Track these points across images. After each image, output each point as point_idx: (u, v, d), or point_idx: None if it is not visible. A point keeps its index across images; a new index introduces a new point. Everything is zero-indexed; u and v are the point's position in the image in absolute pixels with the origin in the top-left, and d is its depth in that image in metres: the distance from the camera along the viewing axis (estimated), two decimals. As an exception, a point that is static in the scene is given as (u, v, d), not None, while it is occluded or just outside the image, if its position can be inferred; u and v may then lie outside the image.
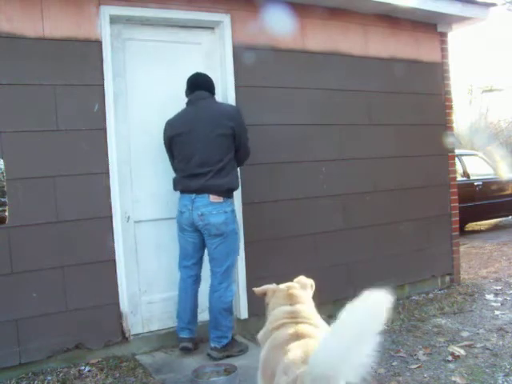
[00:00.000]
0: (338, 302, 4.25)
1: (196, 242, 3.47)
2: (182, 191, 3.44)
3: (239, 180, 3.54)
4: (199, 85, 3.46)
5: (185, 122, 3.41)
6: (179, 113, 3.48)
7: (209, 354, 3.41)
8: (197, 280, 3.55)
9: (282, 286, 2.24)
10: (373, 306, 1.44)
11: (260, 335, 2.21)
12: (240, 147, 3.44)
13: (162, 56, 3.77)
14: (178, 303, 3.55)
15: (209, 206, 3.32)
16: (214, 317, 3.41)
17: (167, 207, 3.81)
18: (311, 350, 1.65)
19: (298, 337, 1.86)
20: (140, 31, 3.68)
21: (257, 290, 2.26)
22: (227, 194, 3.38)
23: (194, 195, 3.35)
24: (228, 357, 3.37)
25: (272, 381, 1.76)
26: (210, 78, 3.53)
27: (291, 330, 1.91)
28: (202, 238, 3.43)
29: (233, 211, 3.42)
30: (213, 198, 3.32)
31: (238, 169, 3.85)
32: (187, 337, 3.48)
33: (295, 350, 1.75)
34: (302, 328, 1.92)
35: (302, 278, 2.33)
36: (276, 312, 2.10)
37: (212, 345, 3.40)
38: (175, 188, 3.53)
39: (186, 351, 3.47)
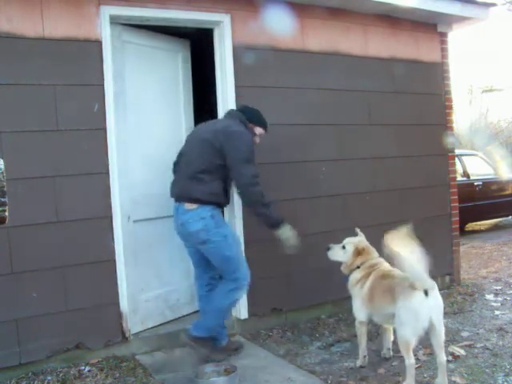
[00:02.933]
0: (338, 302, 4.27)
1: (195, 250, 3.37)
2: (171, 196, 3.39)
3: (220, 196, 3.24)
4: (242, 107, 3.51)
5: (199, 128, 3.42)
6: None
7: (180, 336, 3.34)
8: (212, 288, 3.42)
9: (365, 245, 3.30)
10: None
11: (354, 277, 3.21)
12: (230, 168, 3.18)
13: (153, 60, 3.87)
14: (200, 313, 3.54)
15: (185, 215, 3.20)
16: (205, 308, 3.36)
17: (164, 206, 3.84)
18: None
19: (390, 271, 3.09)
20: (136, 35, 3.74)
21: (359, 248, 3.26)
22: (200, 201, 3.17)
23: (176, 204, 3.30)
24: (192, 348, 3.28)
25: (385, 295, 2.96)
26: (253, 111, 3.47)
27: (385, 268, 3.15)
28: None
29: (213, 216, 3.18)
30: (187, 205, 3.19)
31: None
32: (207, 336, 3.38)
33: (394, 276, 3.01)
34: (389, 268, 3.15)
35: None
36: (369, 262, 3.21)
37: (188, 327, 3.34)
38: None
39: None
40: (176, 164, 3.50)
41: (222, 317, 3.34)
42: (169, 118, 3.99)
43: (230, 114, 3.46)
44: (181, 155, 3.44)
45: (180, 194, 3.26)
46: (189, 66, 4.15)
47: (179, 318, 3.99)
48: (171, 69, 4.02)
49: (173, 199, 3.38)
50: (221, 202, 3.29)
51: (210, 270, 3.41)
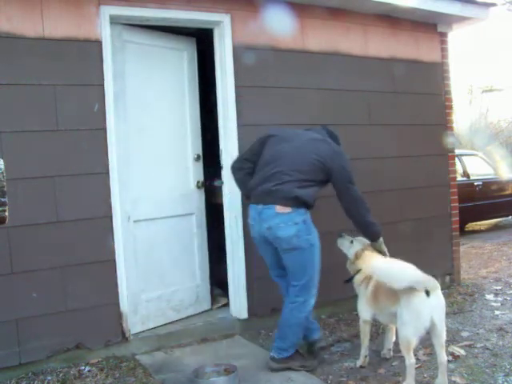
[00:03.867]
0: (338, 303, 4.26)
1: (274, 254, 3.21)
2: (251, 201, 3.19)
3: (312, 202, 3.14)
4: (325, 127, 3.38)
5: (289, 132, 3.30)
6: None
7: (267, 363, 3.20)
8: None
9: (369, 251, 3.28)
10: None
11: (358, 278, 3.22)
12: (338, 187, 3.14)
13: (155, 60, 3.85)
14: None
15: (275, 218, 3.01)
16: (281, 328, 3.18)
17: (166, 206, 3.87)
18: None
19: None
20: (137, 34, 3.73)
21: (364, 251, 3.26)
22: (296, 203, 3.02)
23: (260, 206, 3.08)
24: (287, 369, 3.14)
25: (388, 294, 2.93)
26: (337, 136, 3.37)
27: None
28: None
29: (305, 221, 3.07)
30: (279, 208, 3.00)
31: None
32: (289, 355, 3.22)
33: None
34: None
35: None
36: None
37: (271, 354, 3.18)
38: (245, 199, 3.34)
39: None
40: (243, 161, 3.35)
41: (302, 330, 3.22)
42: (173, 118, 3.97)
43: (319, 131, 3.31)
44: (254, 155, 3.28)
45: (270, 195, 3.05)
46: (195, 64, 4.10)
47: (184, 318, 3.96)
48: (176, 68, 3.99)
49: (250, 204, 3.21)
50: (312, 207, 3.16)
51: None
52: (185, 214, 4.02)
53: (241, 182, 3.37)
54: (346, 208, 3.21)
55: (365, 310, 3.18)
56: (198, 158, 4.10)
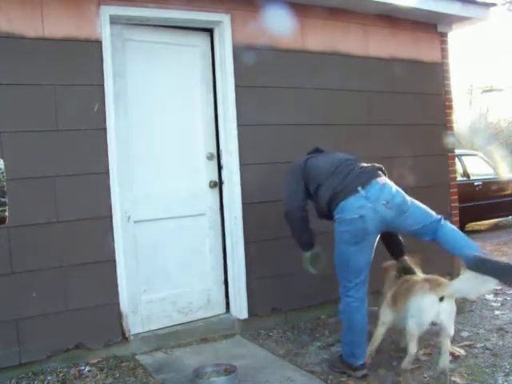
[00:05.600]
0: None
1: (372, 249, 3.05)
2: (342, 199, 2.96)
3: None
4: None
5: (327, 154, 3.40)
6: None
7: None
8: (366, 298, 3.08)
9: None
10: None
11: (386, 286, 3.39)
12: None
13: (161, 57, 3.81)
14: (350, 331, 3.04)
15: (384, 190, 2.92)
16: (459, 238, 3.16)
17: (170, 206, 3.84)
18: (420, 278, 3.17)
19: (411, 276, 3.29)
20: (139, 32, 3.70)
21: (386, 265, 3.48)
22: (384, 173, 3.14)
23: (362, 191, 2.89)
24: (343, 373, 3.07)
25: (402, 298, 3.09)
26: None
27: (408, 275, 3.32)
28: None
29: None
30: (379, 179, 2.97)
31: (238, 164, 3.88)
32: (365, 362, 3.09)
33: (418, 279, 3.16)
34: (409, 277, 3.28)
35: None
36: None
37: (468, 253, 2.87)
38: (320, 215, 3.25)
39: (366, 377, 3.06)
40: (305, 198, 3.30)
41: None
42: (181, 116, 3.87)
43: None
44: (306, 184, 3.25)
45: (362, 175, 3.02)
46: (208, 60, 3.97)
47: (192, 321, 3.87)
48: (185, 64, 3.88)
49: (344, 201, 2.99)
50: None
51: None
52: (195, 215, 3.91)
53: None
54: None
55: (384, 314, 3.26)
56: (211, 157, 3.98)
